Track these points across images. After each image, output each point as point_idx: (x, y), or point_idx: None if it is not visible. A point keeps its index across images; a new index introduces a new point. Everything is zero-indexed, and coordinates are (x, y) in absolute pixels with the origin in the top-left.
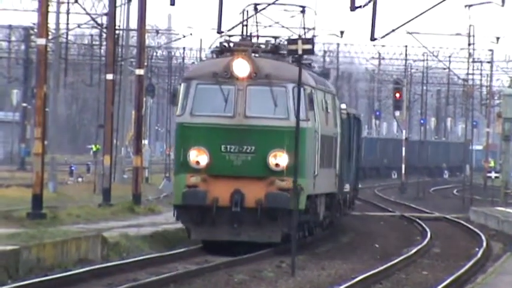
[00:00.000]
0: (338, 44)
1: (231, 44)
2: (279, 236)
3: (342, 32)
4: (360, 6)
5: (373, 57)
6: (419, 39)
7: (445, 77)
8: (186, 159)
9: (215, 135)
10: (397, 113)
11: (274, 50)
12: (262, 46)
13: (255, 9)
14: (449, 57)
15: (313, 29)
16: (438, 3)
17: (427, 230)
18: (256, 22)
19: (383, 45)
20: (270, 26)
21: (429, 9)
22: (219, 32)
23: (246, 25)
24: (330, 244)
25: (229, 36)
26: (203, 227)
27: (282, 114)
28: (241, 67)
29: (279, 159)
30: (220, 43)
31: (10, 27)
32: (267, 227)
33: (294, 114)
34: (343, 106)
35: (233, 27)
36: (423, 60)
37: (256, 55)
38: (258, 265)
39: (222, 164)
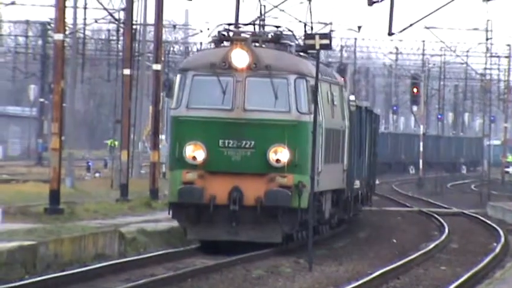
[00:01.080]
0: (355, 39)
1: (231, 34)
2: (279, 236)
3: (359, 27)
4: (378, 1)
5: (390, 52)
6: (436, 34)
7: (463, 72)
8: (181, 155)
9: (212, 129)
10: (415, 108)
11: (276, 40)
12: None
13: None
14: (467, 52)
15: (330, 23)
16: None
17: (445, 225)
18: (261, 12)
19: (400, 40)
20: (275, 17)
21: (447, 3)
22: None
23: (262, 20)
24: (348, 239)
25: (229, 24)
26: (200, 226)
27: (283, 107)
28: (240, 57)
29: (280, 154)
30: (219, 32)
31: (27, 22)
32: (267, 226)
33: (295, 107)
34: (352, 98)
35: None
36: (441, 55)
37: (257, 45)
38: (275, 261)
39: (220, 159)
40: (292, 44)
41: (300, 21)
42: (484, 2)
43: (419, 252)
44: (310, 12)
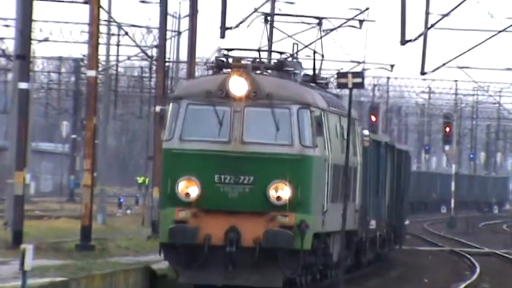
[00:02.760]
0: (388, 78)
1: (230, 60)
2: (280, 280)
3: (392, 66)
4: (411, 40)
5: (423, 92)
6: (469, 74)
7: (495, 112)
8: (174, 191)
9: (208, 163)
10: (447, 147)
11: (279, 67)
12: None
13: (265, 20)
14: (500, 91)
15: (363, 62)
16: (489, 38)
17: (476, 265)
18: (269, 35)
19: (433, 80)
20: (281, 38)
21: (480, 43)
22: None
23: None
24: (379, 278)
25: (228, 50)
26: (193, 269)
27: (285, 140)
28: (238, 85)
29: (281, 191)
30: (216, 58)
31: (60, 58)
32: (267, 269)
33: (298, 139)
34: (366, 132)
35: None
36: (473, 95)
37: (258, 72)
38: None
39: (216, 196)
40: (297, 72)
41: (306, 47)
42: None
43: None
44: (321, 38)
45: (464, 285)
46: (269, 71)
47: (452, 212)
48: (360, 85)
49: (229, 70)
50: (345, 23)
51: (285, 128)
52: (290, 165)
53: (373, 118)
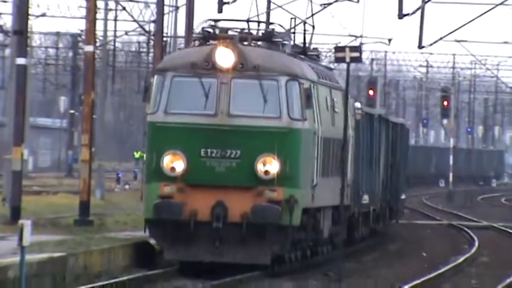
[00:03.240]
0: (386, 52)
1: (217, 31)
2: (268, 257)
3: (389, 40)
4: (408, 14)
5: (420, 65)
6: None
7: (493, 85)
8: (159, 165)
9: (193, 137)
10: (445, 121)
11: (268, 38)
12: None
13: None
14: (498, 65)
15: (360, 36)
16: (486, 11)
17: (475, 238)
18: (267, 7)
19: (431, 53)
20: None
21: (477, 17)
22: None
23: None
24: (377, 252)
25: (215, 20)
26: (179, 245)
27: (273, 113)
28: (225, 56)
29: (269, 166)
30: (203, 28)
31: (58, 34)
32: (254, 246)
33: (286, 112)
34: (358, 105)
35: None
36: (471, 69)
37: (246, 43)
38: (305, 273)
39: (202, 171)
40: (287, 42)
41: (296, 17)
42: None
43: (449, 266)
44: (311, 7)
45: (462, 258)
46: (258, 42)
47: (450, 186)
48: (358, 59)
49: (216, 42)
50: None
51: (272, 100)
52: (278, 139)
53: (371, 92)
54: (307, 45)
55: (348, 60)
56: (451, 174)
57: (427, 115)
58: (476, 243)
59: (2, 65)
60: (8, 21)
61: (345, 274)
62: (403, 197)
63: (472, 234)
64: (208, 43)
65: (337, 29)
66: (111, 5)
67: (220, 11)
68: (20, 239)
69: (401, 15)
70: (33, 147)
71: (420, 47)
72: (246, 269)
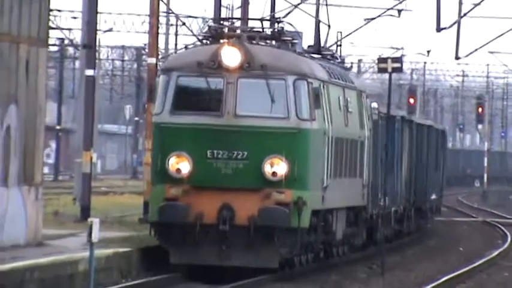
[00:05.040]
0: (425, 63)
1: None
2: (276, 261)
3: (428, 51)
4: (445, 28)
5: (457, 75)
6: (500, 58)
7: None
8: (164, 167)
9: (199, 138)
10: (480, 126)
11: (276, 37)
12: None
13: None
14: None
15: (402, 48)
16: None
17: (508, 234)
18: (273, 7)
19: (466, 64)
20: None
21: (509, 30)
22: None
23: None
24: (417, 247)
25: (223, 20)
26: (185, 248)
27: (281, 113)
28: (231, 55)
29: (277, 167)
30: (209, 27)
31: (123, 47)
32: (262, 249)
33: (295, 112)
34: (375, 105)
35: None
36: (504, 78)
37: (254, 42)
38: (351, 267)
39: (208, 172)
40: (296, 41)
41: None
42: None
43: (484, 259)
44: (327, 12)
45: (497, 252)
46: (267, 41)
47: (485, 186)
48: (399, 69)
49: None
50: (385, 12)
51: (280, 100)
52: (286, 139)
53: (412, 100)
54: (322, 44)
55: (389, 70)
56: (485, 175)
57: (463, 121)
58: (509, 239)
59: (73, 76)
60: (77, 36)
61: (387, 267)
62: (433, 197)
63: (505, 230)
64: (216, 42)
65: (380, 41)
66: (172, 20)
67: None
68: (90, 235)
69: (439, 29)
70: (101, 151)
71: (457, 58)
72: (254, 272)
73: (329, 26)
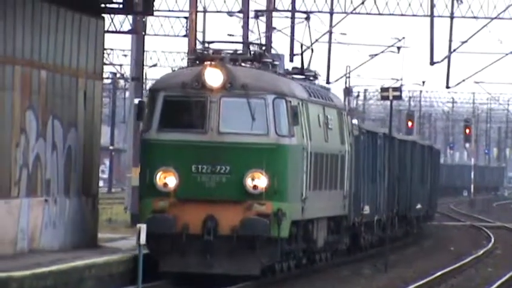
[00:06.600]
0: (421, 91)
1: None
2: (257, 268)
3: (423, 82)
4: (438, 62)
5: (448, 102)
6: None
7: (505, 117)
8: (152, 181)
9: (185, 153)
10: (467, 145)
11: (257, 59)
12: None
13: (256, 16)
14: (508, 101)
15: (401, 79)
16: (499, 59)
17: (491, 236)
18: (259, 30)
19: (455, 92)
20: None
21: (492, 63)
22: (291, 60)
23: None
24: (415, 247)
25: (209, 43)
26: (172, 257)
27: (261, 130)
28: (214, 76)
29: (257, 180)
30: (195, 50)
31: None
32: (244, 257)
33: (274, 129)
34: (355, 122)
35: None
36: (487, 104)
37: (236, 64)
38: (357, 265)
39: (193, 186)
40: (277, 63)
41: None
42: None
43: (471, 257)
44: (309, 33)
45: (482, 251)
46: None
47: (471, 195)
48: (398, 97)
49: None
50: (386, 49)
51: (260, 117)
52: (266, 154)
53: (409, 123)
54: (305, 66)
55: (391, 98)
56: (472, 186)
57: (453, 140)
58: (493, 240)
59: (124, 104)
60: (127, 71)
61: (389, 265)
62: (418, 206)
63: (489, 232)
64: (201, 64)
65: (382, 73)
66: None
67: (291, 60)
68: (138, 238)
69: (432, 63)
70: None
71: (447, 87)
72: (238, 279)
73: (312, 49)
